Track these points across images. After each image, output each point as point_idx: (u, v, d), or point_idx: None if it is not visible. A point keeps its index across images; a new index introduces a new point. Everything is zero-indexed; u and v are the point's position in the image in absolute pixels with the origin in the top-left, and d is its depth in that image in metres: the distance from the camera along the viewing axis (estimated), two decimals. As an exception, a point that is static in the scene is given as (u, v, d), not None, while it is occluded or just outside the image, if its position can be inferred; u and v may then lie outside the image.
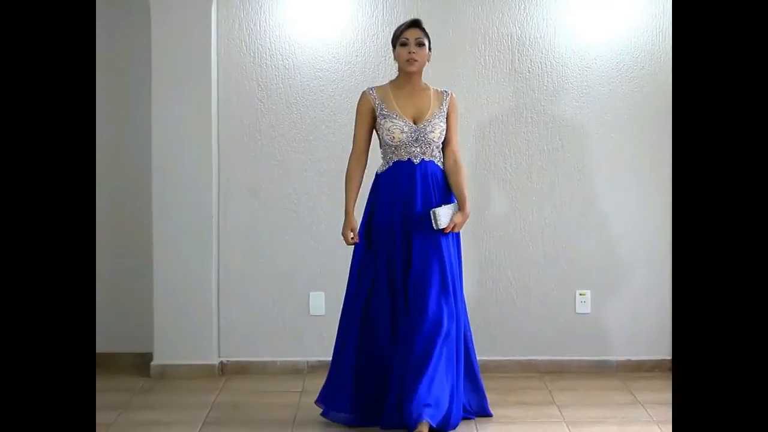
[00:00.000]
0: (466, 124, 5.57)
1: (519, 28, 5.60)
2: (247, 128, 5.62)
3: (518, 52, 5.60)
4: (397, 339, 4.56)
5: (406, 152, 4.59)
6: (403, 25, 4.65)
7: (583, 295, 5.68)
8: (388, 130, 4.58)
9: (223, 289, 5.64)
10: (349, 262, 5.26)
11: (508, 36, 5.60)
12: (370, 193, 4.70)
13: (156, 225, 5.51)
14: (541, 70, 5.61)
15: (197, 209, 5.52)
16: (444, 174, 4.66)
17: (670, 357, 5.62)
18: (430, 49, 4.64)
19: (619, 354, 5.69)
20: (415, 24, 4.62)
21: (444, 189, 4.65)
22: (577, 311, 5.69)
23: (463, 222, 4.64)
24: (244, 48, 5.58)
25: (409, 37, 4.56)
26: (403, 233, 4.59)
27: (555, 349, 5.69)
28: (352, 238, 4.64)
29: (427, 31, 4.64)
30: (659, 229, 5.60)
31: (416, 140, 4.57)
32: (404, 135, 4.56)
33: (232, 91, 5.60)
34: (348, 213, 4.66)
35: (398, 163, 4.60)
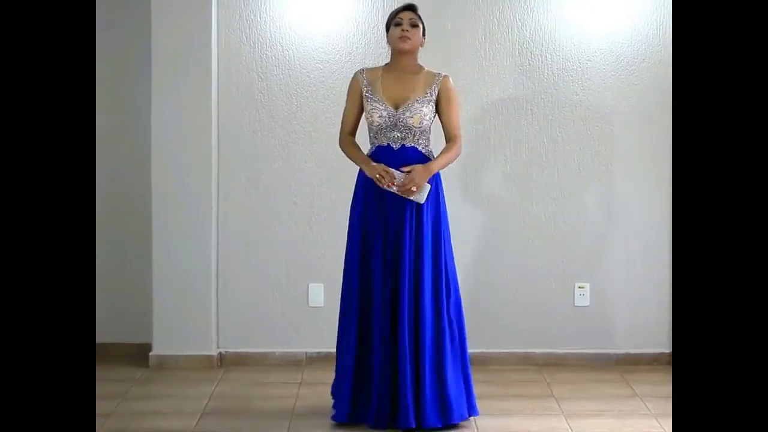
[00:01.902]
0: (466, 115, 5.56)
1: (519, 20, 5.59)
2: (247, 119, 5.61)
3: (518, 45, 5.60)
4: (399, 334, 4.46)
5: (386, 137, 4.51)
6: (397, 8, 4.62)
7: (582, 288, 5.68)
8: (369, 114, 4.53)
9: (222, 280, 5.64)
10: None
11: (508, 28, 5.59)
12: (356, 182, 4.62)
13: (155, 216, 5.51)
14: (541, 62, 5.60)
15: (197, 200, 5.52)
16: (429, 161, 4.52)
17: (669, 350, 5.63)
18: (424, 34, 4.60)
19: (618, 347, 5.69)
20: (410, 7, 4.59)
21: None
22: (575, 304, 5.69)
23: (420, 174, 4.40)
24: (244, 39, 5.58)
25: (403, 17, 4.54)
26: (384, 221, 4.50)
27: (554, 342, 5.70)
28: (384, 170, 4.43)
29: (425, 20, 4.60)
30: (658, 222, 5.60)
31: (395, 125, 4.49)
32: (382, 120, 4.49)
33: (231, 83, 5.59)
34: (364, 161, 4.54)
35: (379, 148, 4.53)
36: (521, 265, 5.68)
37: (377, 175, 4.44)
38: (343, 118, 4.69)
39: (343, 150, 4.68)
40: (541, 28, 5.59)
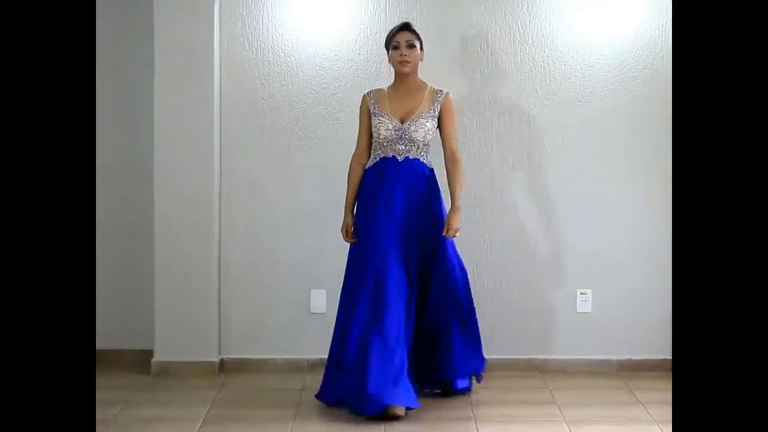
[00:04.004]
0: (468, 122, 5.57)
1: (522, 26, 5.59)
2: (249, 126, 5.62)
3: (521, 51, 5.60)
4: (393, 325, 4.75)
5: (391, 149, 4.90)
6: (394, 29, 4.95)
7: (584, 294, 5.68)
8: (375, 127, 4.91)
9: (224, 287, 5.64)
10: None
11: (510, 35, 5.59)
12: (358, 188, 5.01)
13: (158, 222, 5.51)
14: (544, 68, 5.60)
15: (199, 206, 5.52)
16: (431, 172, 4.95)
17: (671, 356, 5.62)
18: (422, 49, 4.93)
19: (620, 353, 5.69)
20: (405, 27, 4.92)
21: (429, 187, 4.92)
22: (578, 310, 5.69)
23: (456, 219, 4.86)
24: (247, 45, 5.58)
25: (400, 40, 4.89)
26: (390, 226, 4.82)
27: (556, 348, 5.69)
28: (348, 235, 4.99)
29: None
30: (661, 227, 5.59)
31: (400, 138, 4.87)
32: (389, 132, 4.87)
33: (234, 89, 5.60)
34: (347, 210, 5.01)
35: (383, 159, 4.92)
36: (523, 271, 5.68)
37: (344, 231, 4.99)
38: (358, 137, 5.04)
39: (349, 172, 5.03)
40: (543, 35, 5.59)
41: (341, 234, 5.04)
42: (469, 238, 5.60)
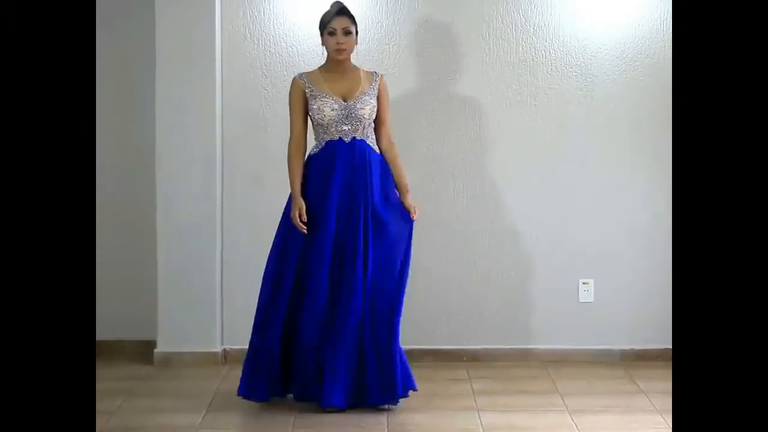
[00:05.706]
0: (469, 111, 5.57)
1: (523, 16, 5.58)
2: (251, 116, 5.62)
3: (522, 40, 5.59)
4: (336, 319, 4.71)
5: (337, 131, 4.69)
6: (329, 13, 4.72)
7: (587, 284, 5.68)
8: (319, 109, 4.68)
9: (226, 277, 5.64)
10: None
11: (512, 24, 5.58)
12: (303, 176, 4.76)
13: (160, 212, 5.52)
14: (545, 58, 5.60)
15: (201, 196, 5.53)
16: (379, 154, 4.79)
17: (673, 346, 5.62)
18: (357, 33, 4.74)
19: (623, 343, 5.69)
20: (342, 12, 4.71)
21: (380, 168, 4.75)
22: (580, 300, 5.69)
23: (409, 199, 4.79)
24: (248, 35, 5.58)
25: (336, 26, 4.67)
26: (341, 212, 4.67)
27: (558, 338, 5.69)
28: (301, 219, 4.68)
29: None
30: (662, 217, 5.59)
31: (346, 117, 4.67)
32: (334, 112, 4.66)
33: (236, 79, 5.59)
34: (295, 195, 4.73)
35: (330, 143, 4.71)
36: (525, 261, 5.68)
37: (296, 218, 4.67)
38: (291, 124, 4.79)
39: (290, 159, 4.77)
40: (545, 24, 5.59)
41: (295, 222, 4.69)
42: (471, 228, 5.60)
